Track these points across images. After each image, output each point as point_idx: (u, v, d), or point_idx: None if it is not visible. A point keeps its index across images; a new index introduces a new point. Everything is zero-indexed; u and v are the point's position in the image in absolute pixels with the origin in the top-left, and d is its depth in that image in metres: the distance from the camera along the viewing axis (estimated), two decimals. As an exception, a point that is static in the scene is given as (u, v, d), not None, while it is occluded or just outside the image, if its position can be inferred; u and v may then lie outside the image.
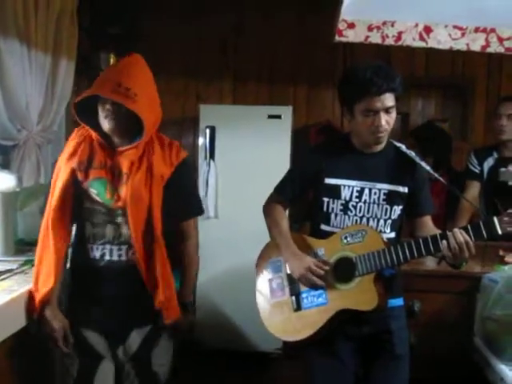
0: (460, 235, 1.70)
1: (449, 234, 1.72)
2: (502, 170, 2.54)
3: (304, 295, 1.99)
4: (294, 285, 2.02)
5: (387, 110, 1.82)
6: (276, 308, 2.06)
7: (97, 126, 1.81)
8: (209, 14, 4.33)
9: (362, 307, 1.86)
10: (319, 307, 1.94)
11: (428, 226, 1.99)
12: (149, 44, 4.31)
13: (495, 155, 3.09)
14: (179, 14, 4.31)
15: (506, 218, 1.68)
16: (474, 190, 3.11)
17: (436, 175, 2.02)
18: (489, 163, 3.10)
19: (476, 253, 2.08)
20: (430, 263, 2.47)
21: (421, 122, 4.33)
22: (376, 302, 1.84)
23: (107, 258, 1.85)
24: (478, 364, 2.23)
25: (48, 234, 1.79)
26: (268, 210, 2.09)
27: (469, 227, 1.73)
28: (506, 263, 2.45)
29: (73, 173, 1.81)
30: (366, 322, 1.94)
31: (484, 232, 1.70)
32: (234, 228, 3.67)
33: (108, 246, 1.84)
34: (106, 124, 1.77)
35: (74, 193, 1.83)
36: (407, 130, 4.26)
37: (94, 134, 1.82)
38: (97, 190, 1.81)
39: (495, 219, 1.69)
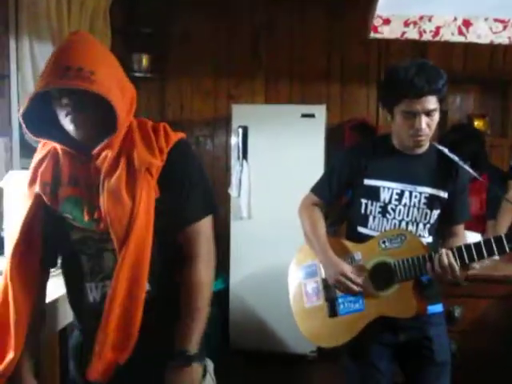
0: (445, 258, 1.70)
1: (435, 256, 1.72)
2: None
3: (340, 301, 1.95)
4: (329, 290, 1.98)
5: (428, 113, 1.75)
6: (311, 313, 2.03)
7: (65, 137, 1.37)
8: (239, 12, 4.31)
9: (400, 315, 1.82)
10: (356, 313, 1.90)
11: (459, 236, 1.94)
12: (180, 44, 4.33)
13: None
14: (210, 13, 4.29)
15: None
16: None
17: (478, 177, 1.97)
18: None
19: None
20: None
21: (459, 118, 4.22)
22: (415, 310, 1.79)
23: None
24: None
25: (7, 286, 1.38)
26: (304, 212, 2.04)
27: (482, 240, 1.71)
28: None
29: (38, 200, 1.40)
30: (402, 329, 1.89)
31: (507, 247, 1.66)
32: (267, 228, 3.64)
33: (108, 283, 1.35)
34: (68, 125, 1.32)
35: (47, 226, 1.42)
36: (445, 128, 4.14)
37: (57, 145, 1.39)
38: (71, 214, 1.38)
39: None
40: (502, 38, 2.73)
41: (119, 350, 1.32)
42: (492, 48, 3.88)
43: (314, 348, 3.62)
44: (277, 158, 3.66)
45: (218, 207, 1.49)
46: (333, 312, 1.96)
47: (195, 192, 1.41)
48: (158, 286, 1.39)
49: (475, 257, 1.70)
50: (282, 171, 3.63)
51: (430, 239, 1.91)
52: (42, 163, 1.42)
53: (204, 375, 1.42)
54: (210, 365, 1.51)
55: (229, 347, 3.81)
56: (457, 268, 1.68)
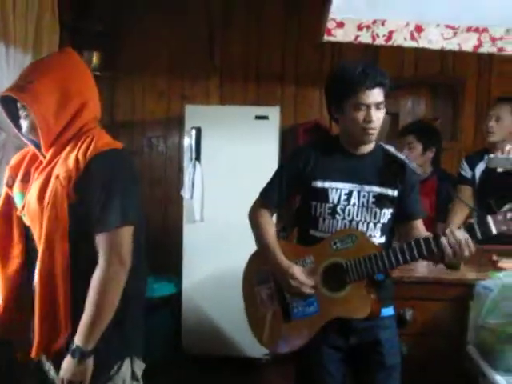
0: (458, 233, 1.66)
1: (447, 231, 1.68)
2: (491, 156, 2.47)
3: (294, 305, 1.93)
4: (283, 294, 1.96)
5: (378, 106, 1.81)
6: (265, 319, 2.00)
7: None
8: (195, 12, 4.25)
9: (355, 315, 1.82)
10: (310, 316, 1.89)
11: (419, 230, 1.93)
12: (133, 42, 4.24)
13: (486, 158, 3.04)
14: (164, 12, 4.21)
15: (499, 217, 1.64)
16: (465, 194, 3.06)
17: (420, 173, 2.01)
18: (480, 168, 3.06)
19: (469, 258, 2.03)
20: (422, 269, 2.41)
21: (411, 121, 4.28)
22: (369, 309, 1.79)
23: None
24: (471, 373, 2.17)
25: None
26: (254, 217, 2.03)
27: (462, 228, 1.69)
28: (500, 269, 2.39)
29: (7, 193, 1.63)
30: (353, 332, 1.90)
31: (478, 232, 1.66)
32: (220, 231, 3.59)
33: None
34: (23, 127, 1.57)
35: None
36: (397, 130, 4.20)
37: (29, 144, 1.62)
38: (17, 208, 1.59)
39: (489, 218, 1.65)
40: (453, 45, 2.77)
41: (49, 340, 1.50)
42: (442, 53, 3.96)
43: (268, 351, 3.60)
44: (230, 160, 3.62)
45: (137, 219, 1.53)
46: (287, 317, 1.94)
47: (110, 203, 1.47)
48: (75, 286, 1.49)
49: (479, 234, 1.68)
50: (235, 173, 3.59)
51: (382, 239, 1.92)
52: (22, 160, 1.63)
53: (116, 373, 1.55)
54: (139, 365, 1.61)
55: (182, 353, 3.75)
56: (470, 241, 1.66)
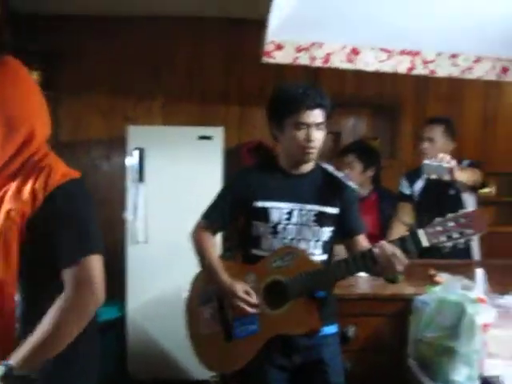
0: (388, 248, 1.68)
1: (378, 245, 1.71)
2: (426, 162, 2.53)
3: (236, 324, 1.93)
4: (225, 314, 1.96)
5: (318, 126, 1.84)
6: (208, 340, 2.00)
7: None
8: (138, 31, 4.23)
9: (294, 331, 1.83)
10: (252, 335, 1.89)
11: (362, 245, 1.97)
12: (76, 62, 4.18)
13: (424, 176, 3.13)
14: (106, 31, 4.18)
15: (430, 230, 1.68)
16: (405, 210, 3.14)
17: (363, 194, 2.05)
18: (419, 185, 3.15)
19: (407, 273, 2.08)
20: (363, 286, 2.45)
21: (352, 140, 4.38)
22: (308, 325, 1.81)
23: None
24: (412, 386, 2.21)
25: None
26: (196, 238, 2.02)
27: (395, 240, 1.72)
28: (437, 283, 2.46)
29: None
30: (297, 351, 1.90)
31: (411, 245, 1.69)
32: (165, 252, 3.55)
33: None
34: None
35: None
36: (339, 149, 4.29)
37: None
38: None
39: (420, 231, 1.69)
40: (387, 67, 2.88)
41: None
42: (381, 75, 4.08)
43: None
44: (174, 181, 3.61)
45: (98, 247, 1.41)
46: (229, 336, 1.94)
47: (75, 235, 1.36)
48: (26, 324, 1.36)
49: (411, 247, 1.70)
50: (179, 194, 3.58)
51: (323, 257, 1.95)
52: None
53: None
54: None
55: (128, 378, 3.66)
56: (400, 255, 1.67)
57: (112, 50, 4.21)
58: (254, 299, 1.87)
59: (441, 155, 2.50)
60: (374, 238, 2.99)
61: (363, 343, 2.36)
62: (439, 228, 1.67)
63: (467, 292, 2.12)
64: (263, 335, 1.87)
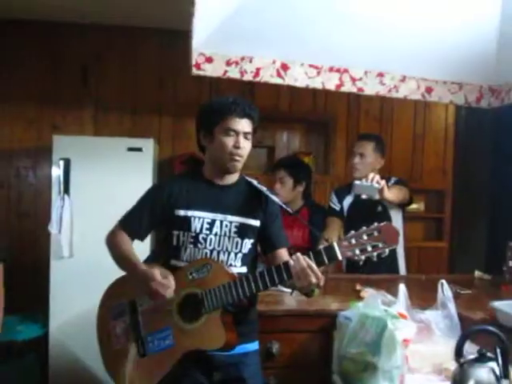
0: (303, 260, 1.69)
1: (293, 257, 1.71)
2: (357, 182, 2.58)
3: (149, 339, 1.88)
4: (138, 329, 1.90)
5: (245, 136, 1.88)
6: (120, 356, 1.92)
7: None
8: (68, 38, 4.12)
9: (209, 346, 1.79)
10: (166, 350, 1.84)
11: (283, 259, 1.94)
12: (3, 69, 4.00)
13: (353, 193, 3.17)
14: (34, 38, 4.05)
15: (345, 243, 1.70)
16: (334, 224, 3.16)
17: (287, 208, 2.07)
18: (348, 201, 3.19)
19: (335, 288, 2.06)
20: (289, 302, 2.43)
21: (286, 155, 4.42)
22: (223, 340, 1.76)
23: None
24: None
25: None
26: (111, 239, 1.97)
27: (310, 253, 1.72)
28: (362, 298, 2.48)
29: None
30: (217, 368, 1.87)
31: (325, 257, 1.70)
32: (90, 268, 3.40)
33: None
34: None
35: None
36: (272, 163, 4.30)
37: None
38: None
39: (335, 244, 1.70)
40: (317, 83, 2.90)
41: None
42: (314, 91, 4.14)
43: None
44: (101, 193, 3.49)
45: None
46: (142, 351, 1.88)
47: None
48: None
49: (325, 259, 1.71)
50: (107, 207, 3.42)
51: (243, 269, 1.93)
52: None
53: None
54: None
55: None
56: (315, 268, 1.68)
57: (39, 58, 4.07)
58: (171, 282, 1.80)
59: (371, 175, 2.56)
60: (303, 252, 3.02)
61: (288, 360, 2.34)
62: (353, 241, 1.70)
63: (389, 307, 2.14)
64: (177, 350, 1.82)
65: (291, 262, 1.71)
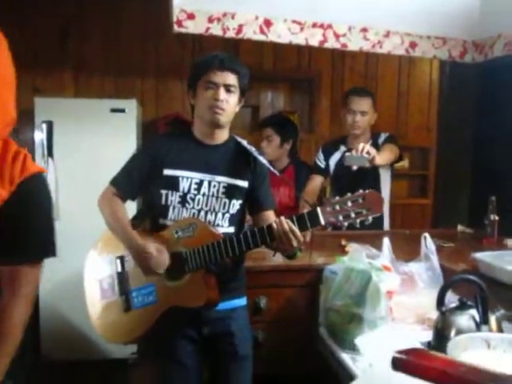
0: (285, 224, 1.70)
1: (274, 223, 1.72)
2: (347, 154, 2.57)
3: (134, 294, 1.92)
4: (124, 284, 1.94)
5: (228, 88, 1.85)
6: (106, 309, 1.98)
7: None
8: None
9: (190, 304, 1.82)
10: (149, 306, 1.88)
11: (270, 221, 1.95)
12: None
13: (342, 149, 3.16)
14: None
15: (328, 209, 1.70)
16: (315, 182, 3.17)
17: (274, 171, 2.06)
18: (335, 158, 3.18)
19: (320, 244, 2.08)
20: (275, 258, 2.46)
21: (271, 114, 4.40)
22: (205, 298, 1.80)
23: None
24: (323, 354, 2.26)
25: None
26: (104, 202, 1.96)
27: (294, 217, 1.73)
28: (347, 253, 2.52)
29: None
30: (205, 323, 1.91)
31: (308, 222, 1.71)
32: (77, 229, 3.41)
33: None
34: None
35: None
36: (257, 122, 4.29)
37: None
38: None
39: (318, 210, 1.71)
40: (300, 39, 2.88)
41: None
42: (299, 49, 4.10)
43: (135, 350, 3.51)
44: (85, 156, 3.48)
45: (49, 251, 1.37)
46: (127, 306, 1.93)
47: (35, 233, 1.32)
48: None
49: (308, 224, 1.71)
50: (91, 169, 3.45)
51: (230, 229, 1.94)
52: None
53: None
54: None
55: (41, 360, 3.54)
56: (298, 232, 1.69)
57: (18, 19, 3.96)
58: (165, 258, 1.83)
59: (361, 146, 2.49)
60: (290, 210, 3.05)
61: (276, 314, 2.39)
62: (337, 207, 1.69)
63: (373, 260, 2.18)
64: (160, 307, 1.86)
65: (274, 226, 1.71)
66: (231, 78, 1.86)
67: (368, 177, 2.95)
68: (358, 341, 1.89)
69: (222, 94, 1.84)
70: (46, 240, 1.37)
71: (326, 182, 3.35)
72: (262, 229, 1.75)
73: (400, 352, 1.46)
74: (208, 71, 1.84)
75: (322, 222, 1.70)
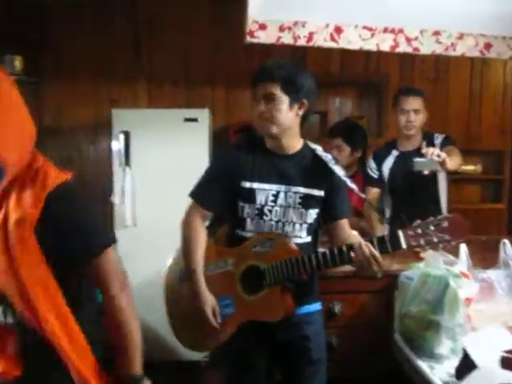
0: (366, 249, 1.67)
1: (356, 245, 1.69)
2: (416, 159, 2.45)
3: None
4: None
5: (268, 98, 1.82)
6: (186, 317, 2.03)
7: None
8: (121, 15, 4.19)
9: (267, 318, 1.84)
10: (227, 317, 1.91)
11: (344, 231, 1.96)
12: (58, 46, 4.13)
13: (394, 153, 3.04)
14: (86, 13, 4.14)
15: (410, 232, 1.65)
16: (372, 196, 3.03)
17: (347, 180, 1.96)
18: (388, 163, 3.05)
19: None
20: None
21: (339, 119, 4.38)
22: (282, 314, 1.82)
23: None
24: (398, 360, 2.25)
25: None
26: (186, 229, 1.97)
27: (374, 240, 1.70)
28: (421, 259, 2.49)
29: None
30: (280, 329, 1.91)
31: (389, 246, 1.68)
32: (154, 236, 3.55)
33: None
34: None
35: None
36: (326, 128, 4.29)
37: None
38: None
39: (400, 233, 1.67)
40: (371, 45, 2.87)
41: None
42: (366, 54, 4.08)
43: (207, 353, 3.58)
44: (161, 164, 3.59)
45: (111, 238, 1.42)
46: None
47: (81, 236, 1.33)
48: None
49: (390, 248, 1.69)
50: (166, 177, 3.56)
51: (308, 239, 1.94)
52: None
53: None
54: None
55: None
56: (378, 256, 1.67)
57: (95, 34, 4.16)
58: (216, 322, 1.89)
59: (430, 150, 2.41)
60: (360, 215, 3.03)
61: (350, 319, 2.40)
62: (419, 231, 1.65)
63: (450, 267, 2.15)
64: (237, 319, 1.89)
65: (353, 251, 1.69)
66: (269, 87, 1.80)
67: (427, 183, 2.87)
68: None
69: (262, 106, 1.83)
70: (95, 235, 1.38)
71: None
72: (342, 251, 1.74)
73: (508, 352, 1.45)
74: (254, 85, 1.85)
75: (404, 246, 1.66)
